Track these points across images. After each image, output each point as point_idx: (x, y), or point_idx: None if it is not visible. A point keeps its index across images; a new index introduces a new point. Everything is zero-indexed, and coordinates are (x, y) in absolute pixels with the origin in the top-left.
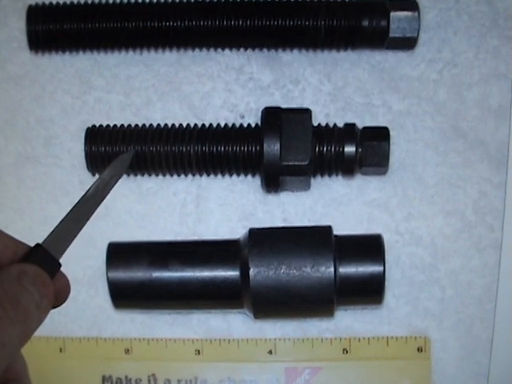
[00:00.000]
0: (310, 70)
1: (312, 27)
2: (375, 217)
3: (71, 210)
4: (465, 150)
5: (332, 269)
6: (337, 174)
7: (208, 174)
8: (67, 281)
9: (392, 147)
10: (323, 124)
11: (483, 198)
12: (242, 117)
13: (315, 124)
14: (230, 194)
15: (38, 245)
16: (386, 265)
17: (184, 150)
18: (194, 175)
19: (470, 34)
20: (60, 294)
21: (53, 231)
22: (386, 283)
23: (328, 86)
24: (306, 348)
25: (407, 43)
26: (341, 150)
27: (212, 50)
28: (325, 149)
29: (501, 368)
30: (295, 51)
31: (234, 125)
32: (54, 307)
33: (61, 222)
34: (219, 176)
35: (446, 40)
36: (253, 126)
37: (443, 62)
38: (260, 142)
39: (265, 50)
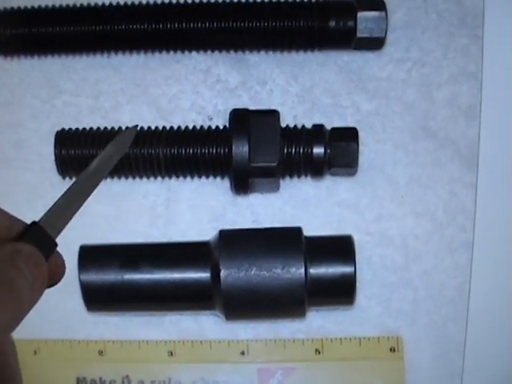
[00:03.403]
0: (277, 72)
1: (278, 28)
2: (345, 217)
3: (70, 187)
4: (435, 150)
5: (302, 270)
6: (306, 175)
7: (177, 177)
8: (62, 260)
9: (361, 148)
10: (291, 125)
11: (454, 197)
12: (210, 119)
13: (283, 125)
14: (199, 196)
15: (34, 223)
16: (357, 265)
17: (153, 152)
18: (163, 178)
19: (439, 33)
20: (54, 273)
21: (50, 209)
22: (358, 284)
23: (295, 87)
24: (278, 349)
25: (375, 43)
26: (309, 151)
27: (179, 52)
28: (293, 150)
29: (474, 367)
30: (262, 52)
31: (202, 127)
32: (48, 287)
33: (59, 200)
34: (188, 178)
35: (414, 39)
36: (221, 128)
37: (411, 62)
38: (228, 143)
39: (232, 52)
